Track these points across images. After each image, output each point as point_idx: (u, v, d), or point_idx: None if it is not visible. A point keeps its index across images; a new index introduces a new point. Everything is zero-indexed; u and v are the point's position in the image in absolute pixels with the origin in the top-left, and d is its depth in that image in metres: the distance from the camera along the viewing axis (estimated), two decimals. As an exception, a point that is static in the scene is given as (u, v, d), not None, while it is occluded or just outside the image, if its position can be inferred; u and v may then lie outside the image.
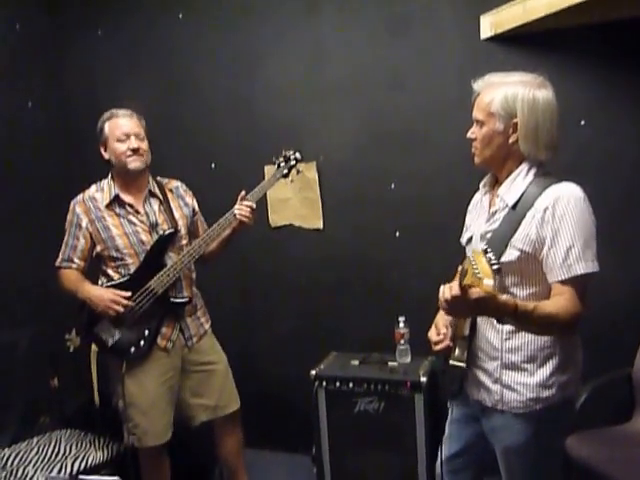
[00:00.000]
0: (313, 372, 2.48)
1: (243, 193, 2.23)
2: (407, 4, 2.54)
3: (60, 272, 2.25)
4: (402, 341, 2.50)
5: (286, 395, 2.91)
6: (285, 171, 2.33)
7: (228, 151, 2.93)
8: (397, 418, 2.35)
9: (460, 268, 1.35)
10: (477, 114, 1.57)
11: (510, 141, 1.51)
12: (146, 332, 2.19)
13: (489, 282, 1.20)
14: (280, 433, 2.97)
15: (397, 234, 2.68)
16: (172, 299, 2.22)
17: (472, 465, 1.80)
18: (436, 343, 1.64)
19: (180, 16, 2.90)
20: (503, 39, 2.37)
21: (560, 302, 1.42)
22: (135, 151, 2.17)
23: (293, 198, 2.83)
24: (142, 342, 2.18)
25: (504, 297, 1.36)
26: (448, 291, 1.29)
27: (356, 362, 2.55)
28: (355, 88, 2.67)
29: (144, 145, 2.21)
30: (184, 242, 2.29)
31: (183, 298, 2.25)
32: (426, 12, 2.51)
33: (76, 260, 2.22)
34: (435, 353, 1.66)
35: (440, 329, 1.65)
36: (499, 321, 1.37)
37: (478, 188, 1.77)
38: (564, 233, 1.43)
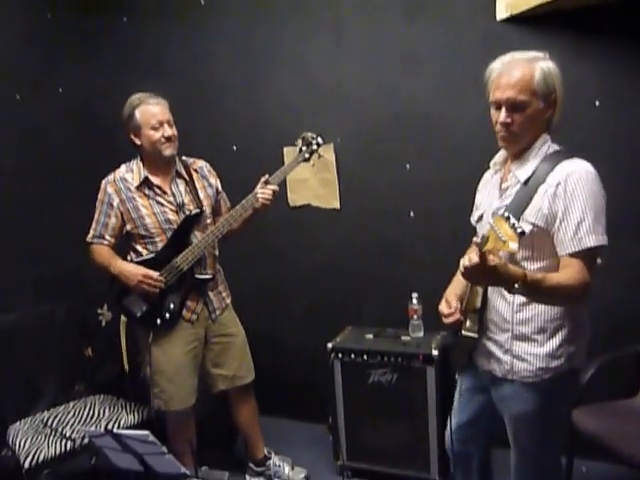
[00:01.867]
0: (329, 345, 2.55)
1: (266, 177, 2.28)
2: None
3: (92, 247, 2.32)
4: (415, 316, 2.56)
5: (303, 367, 2.99)
6: (307, 155, 2.38)
7: (249, 134, 2.96)
8: (409, 389, 2.41)
9: (475, 239, 1.36)
10: (517, 95, 1.47)
11: (544, 117, 1.52)
12: (171, 305, 2.27)
13: (514, 244, 1.23)
14: (298, 403, 3.05)
15: (412, 214, 2.72)
16: (197, 275, 2.30)
17: (480, 435, 1.84)
18: (447, 316, 1.67)
19: (202, 2, 2.94)
20: (519, 20, 2.34)
21: (569, 273, 1.45)
22: (168, 138, 2.22)
23: (311, 179, 2.88)
24: (168, 314, 2.27)
25: (514, 267, 1.39)
26: (467, 259, 1.32)
27: (370, 336, 2.61)
28: (372, 70, 2.68)
29: (175, 131, 2.26)
30: (208, 221, 2.36)
31: (207, 275, 2.33)
32: None
33: (107, 237, 2.30)
34: (446, 326, 1.70)
35: (451, 303, 1.68)
36: (509, 291, 1.39)
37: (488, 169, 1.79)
38: (575, 207, 1.45)
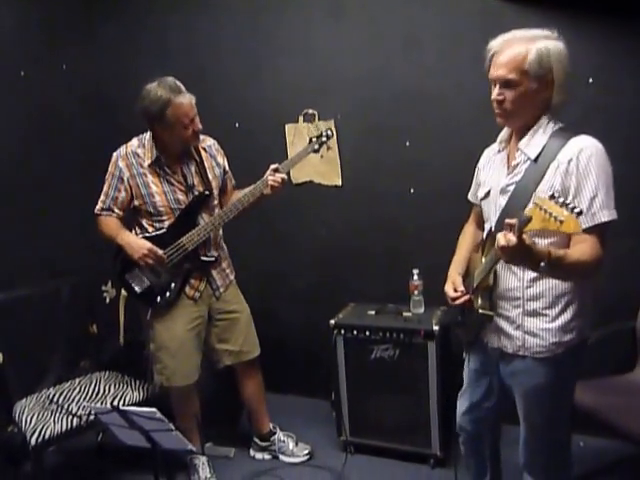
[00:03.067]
0: (332, 321, 2.55)
1: (276, 165, 2.26)
2: None
3: (100, 219, 2.31)
4: (416, 292, 2.55)
5: (306, 343, 2.99)
6: (316, 146, 2.37)
7: (250, 111, 2.94)
8: (411, 364, 2.42)
9: (513, 221, 1.32)
10: (508, 74, 1.48)
11: (542, 96, 1.50)
12: (172, 284, 2.27)
13: (578, 221, 1.21)
14: (301, 379, 3.07)
15: (412, 190, 2.70)
16: (201, 257, 2.30)
17: (491, 414, 1.83)
18: (454, 298, 1.68)
19: None
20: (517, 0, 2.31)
21: (585, 249, 1.44)
22: (197, 132, 2.21)
23: (313, 155, 2.87)
24: (168, 293, 2.27)
25: (539, 246, 1.38)
26: (504, 238, 1.30)
27: (372, 312, 2.61)
28: (372, 47, 2.66)
29: (201, 126, 2.23)
30: (215, 202, 2.35)
31: (211, 257, 2.33)
32: None
33: (116, 210, 2.29)
34: (453, 306, 1.71)
35: (458, 285, 1.69)
36: (534, 269, 1.39)
37: (488, 145, 1.77)
38: (588, 183, 1.44)
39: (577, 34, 2.17)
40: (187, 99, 2.15)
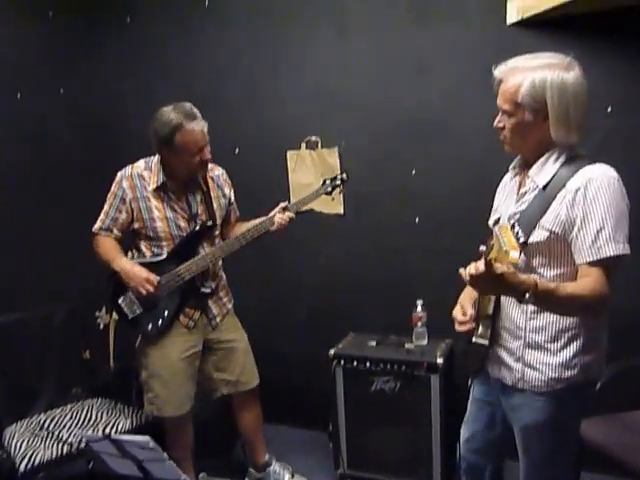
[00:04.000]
0: (331, 351, 2.52)
1: (285, 203, 2.26)
2: None
3: (97, 238, 2.26)
4: (419, 324, 2.53)
5: (305, 373, 2.95)
6: (329, 189, 2.34)
7: (251, 137, 2.93)
8: (413, 398, 2.38)
9: (483, 247, 1.32)
10: (503, 104, 1.49)
11: (541, 129, 1.46)
12: (165, 312, 2.23)
13: (515, 254, 1.20)
14: (298, 410, 3.02)
15: (417, 220, 2.69)
16: (198, 287, 2.26)
17: (493, 446, 1.79)
18: (460, 323, 1.63)
19: (206, 3, 2.90)
20: (529, 24, 2.31)
21: (586, 283, 1.40)
22: (206, 162, 2.17)
23: (315, 183, 2.81)
24: (160, 321, 2.23)
25: (524, 275, 1.34)
26: (474, 266, 1.29)
27: (373, 343, 2.58)
28: (378, 74, 2.66)
29: (210, 155, 2.18)
30: (216, 232, 2.33)
31: (208, 288, 2.29)
32: None
33: (115, 231, 2.25)
34: (457, 333, 1.66)
35: (467, 310, 1.64)
36: (520, 301, 1.35)
37: (499, 175, 1.76)
38: (595, 214, 1.40)
39: (594, 61, 2.18)
40: (199, 126, 2.09)
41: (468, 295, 1.74)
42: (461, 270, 1.36)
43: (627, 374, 2.13)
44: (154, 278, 2.16)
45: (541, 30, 2.32)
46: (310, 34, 2.77)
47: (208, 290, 2.30)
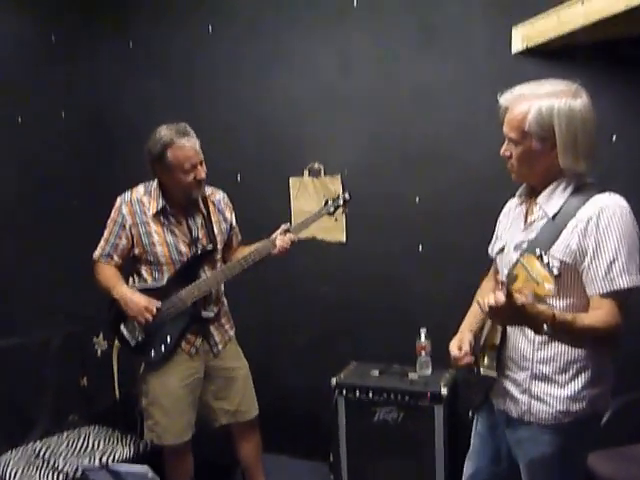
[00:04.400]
0: (333, 380, 2.49)
1: (287, 225, 2.25)
2: (437, 15, 2.53)
3: (97, 265, 2.25)
4: (423, 353, 2.50)
5: (306, 403, 2.91)
6: (331, 209, 2.32)
7: (253, 163, 2.94)
8: (416, 429, 2.35)
9: (503, 279, 1.31)
10: (509, 132, 1.48)
11: (549, 157, 1.44)
12: (168, 338, 2.21)
13: (549, 286, 1.17)
14: (299, 440, 2.97)
15: (420, 248, 2.68)
16: (199, 312, 2.24)
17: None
18: (456, 359, 1.61)
19: (210, 29, 2.93)
20: (534, 53, 2.33)
21: (600, 315, 1.38)
22: (200, 181, 2.15)
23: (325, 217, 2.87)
24: (163, 347, 2.21)
25: (542, 306, 1.32)
26: (493, 297, 1.26)
27: (376, 372, 2.55)
28: (382, 100, 2.67)
29: (205, 170, 2.16)
30: (218, 256, 2.32)
31: (210, 313, 2.28)
32: (456, 24, 2.49)
33: (116, 258, 2.24)
34: (455, 366, 1.65)
35: (464, 344, 1.62)
36: (537, 332, 1.33)
37: (502, 203, 1.76)
38: (608, 245, 1.38)
39: (598, 90, 2.18)
40: (190, 143, 2.10)
41: (468, 325, 1.72)
42: (479, 299, 1.34)
43: (633, 406, 2.11)
44: (153, 306, 2.14)
45: (546, 59, 2.33)
46: (314, 64, 2.79)
47: (211, 315, 2.28)
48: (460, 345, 1.63)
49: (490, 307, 1.27)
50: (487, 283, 1.87)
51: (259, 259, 2.22)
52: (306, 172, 2.86)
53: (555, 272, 1.18)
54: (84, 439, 2.44)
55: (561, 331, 1.32)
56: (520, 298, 1.24)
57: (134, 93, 3.12)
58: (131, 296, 2.16)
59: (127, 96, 3.14)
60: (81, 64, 3.18)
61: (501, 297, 1.23)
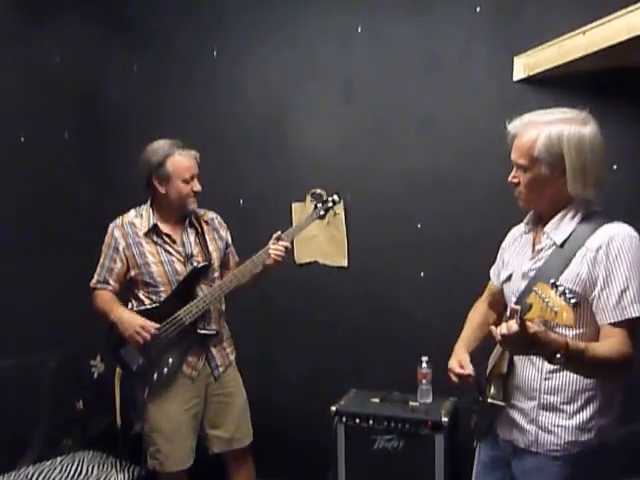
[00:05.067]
0: (333, 408, 2.47)
1: (279, 233, 2.24)
2: (440, 44, 2.57)
3: (95, 293, 2.26)
4: (424, 381, 2.49)
5: (305, 429, 2.88)
6: (322, 212, 2.32)
7: (256, 188, 2.95)
8: (416, 458, 2.32)
9: (513, 305, 1.30)
10: (519, 159, 1.48)
11: (558, 184, 1.44)
12: (170, 360, 2.20)
13: (570, 315, 1.17)
14: (297, 467, 2.91)
15: (422, 274, 2.68)
16: (200, 330, 2.23)
17: None
18: (458, 375, 1.61)
19: (214, 54, 2.97)
20: (536, 81, 2.36)
21: (613, 345, 1.37)
22: (197, 193, 2.21)
23: (319, 235, 2.85)
24: (165, 370, 2.19)
25: (555, 334, 1.31)
26: (506, 327, 1.26)
27: (377, 400, 2.53)
28: (385, 127, 2.69)
29: (200, 187, 2.24)
30: (216, 275, 2.31)
31: (211, 330, 2.26)
32: (459, 52, 2.54)
33: (112, 282, 2.24)
34: (456, 384, 1.64)
35: (465, 363, 1.62)
36: (550, 361, 1.31)
37: (505, 230, 1.76)
38: (618, 274, 1.38)
39: (599, 118, 2.21)
40: (190, 155, 2.20)
41: (464, 344, 1.72)
42: (492, 328, 1.33)
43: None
44: (150, 325, 2.14)
45: (547, 87, 2.36)
46: (316, 87, 2.82)
47: (212, 332, 2.27)
48: (461, 364, 1.63)
49: (503, 336, 1.27)
50: (481, 304, 1.88)
51: (255, 271, 2.22)
52: (308, 197, 2.87)
53: (573, 302, 1.17)
54: (78, 465, 2.40)
55: (574, 360, 1.31)
56: (533, 327, 1.23)
57: (137, 115, 3.14)
58: (127, 316, 2.17)
59: (130, 118, 3.16)
60: (85, 85, 3.19)
61: (514, 326, 1.23)
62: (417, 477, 2.33)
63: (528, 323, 1.23)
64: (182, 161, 2.17)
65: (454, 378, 1.63)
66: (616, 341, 1.38)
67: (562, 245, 1.47)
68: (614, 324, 1.39)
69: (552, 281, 1.21)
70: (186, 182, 2.18)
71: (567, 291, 1.19)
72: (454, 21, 2.54)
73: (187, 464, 2.26)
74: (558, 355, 1.28)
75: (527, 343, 1.26)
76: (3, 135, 2.77)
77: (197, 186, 2.21)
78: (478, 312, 1.86)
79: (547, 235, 1.52)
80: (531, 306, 1.23)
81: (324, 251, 2.89)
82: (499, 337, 1.28)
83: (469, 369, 1.61)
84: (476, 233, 2.52)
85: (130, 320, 2.15)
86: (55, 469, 2.36)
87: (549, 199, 1.50)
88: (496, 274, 1.79)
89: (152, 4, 3.10)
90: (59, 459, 2.45)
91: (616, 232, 1.42)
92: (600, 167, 1.45)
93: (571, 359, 1.30)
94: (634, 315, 1.38)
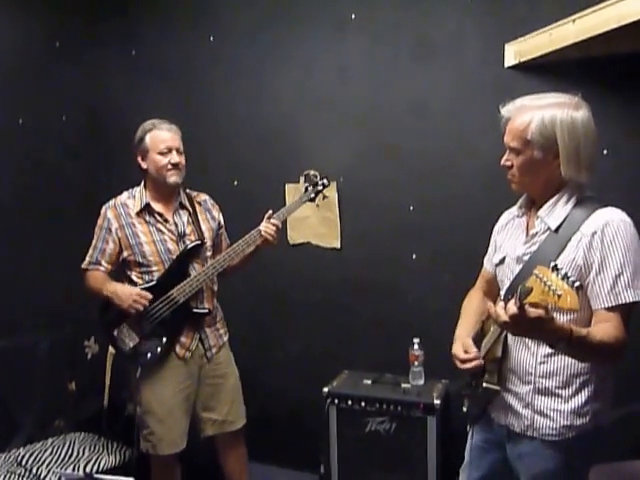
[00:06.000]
0: (325, 390, 2.47)
1: (270, 212, 2.26)
2: (432, 31, 2.56)
3: (87, 274, 2.26)
4: (416, 363, 2.49)
5: (296, 412, 2.89)
6: (312, 195, 2.37)
7: (250, 169, 2.95)
8: (408, 440, 2.33)
9: (518, 289, 1.27)
10: (511, 142, 1.49)
11: (551, 167, 1.45)
12: (164, 339, 2.20)
13: (575, 300, 1.15)
14: (289, 450, 2.94)
15: (414, 256, 2.68)
16: (193, 309, 2.23)
17: None
18: (464, 361, 1.57)
19: (211, 39, 2.95)
20: (527, 68, 2.36)
21: (608, 330, 1.38)
22: (175, 165, 2.21)
23: (312, 217, 2.85)
24: (159, 349, 2.19)
25: (560, 322, 1.31)
26: (502, 311, 1.26)
27: (369, 382, 2.54)
28: (378, 111, 2.69)
29: (183, 159, 2.25)
30: (208, 254, 2.32)
31: (204, 309, 2.27)
32: (451, 39, 2.53)
33: (104, 263, 2.24)
34: (462, 371, 1.61)
35: (469, 347, 1.59)
36: (551, 346, 1.32)
37: (496, 213, 1.75)
38: (613, 259, 1.39)
39: (590, 104, 2.23)
40: (170, 130, 2.24)
41: (465, 330, 1.70)
42: (490, 308, 1.33)
43: (632, 420, 2.10)
44: (145, 294, 2.15)
45: (538, 73, 2.36)
46: (311, 72, 2.80)
47: (204, 310, 2.27)
48: (466, 349, 1.60)
49: (504, 322, 1.26)
50: (475, 293, 1.87)
51: (247, 250, 2.25)
52: (302, 179, 2.84)
53: (576, 285, 1.16)
54: (69, 446, 2.41)
55: (576, 346, 1.32)
56: (536, 312, 1.22)
57: (134, 100, 3.12)
58: (121, 287, 2.18)
59: (127, 102, 3.13)
60: (84, 69, 3.17)
61: (513, 308, 1.23)
62: (409, 459, 2.34)
63: (530, 308, 1.22)
64: (159, 134, 2.21)
65: (459, 364, 1.60)
66: (610, 326, 1.39)
67: (557, 230, 1.47)
68: (609, 309, 1.40)
69: (553, 264, 1.20)
70: (162, 154, 2.20)
71: (569, 274, 1.18)
72: (447, 8, 2.53)
73: (180, 447, 2.27)
74: (562, 342, 1.28)
75: (530, 327, 1.26)
76: (2, 118, 2.75)
77: (174, 158, 2.21)
78: (473, 300, 1.84)
79: (541, 219, 1.51)
80: (531, 289, 1.21)
81: (317, 232, 2.88)
82: (500, 319, 1.27)
83: (474, 352, 1.58)
84: (468, 216, 2.52)
85: (125, 290, 2.16)
86: (46, 451, 2.36)
87: (542, 182, 1.50)
88: (489, 259, 1.78)
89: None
90: (50, 440, 2.45)
91: (610, 218, 1.43)
92: (593, 151, 1.46)
93: (574, 344, 1.30)
94: (628, 300, 1.39)
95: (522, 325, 1.25)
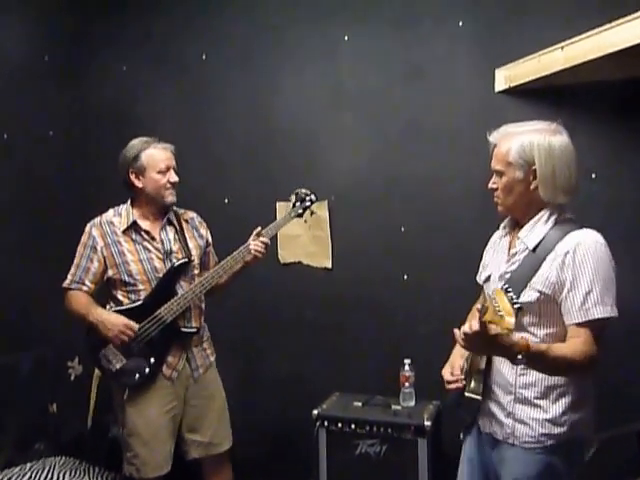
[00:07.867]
0: (315, 412, 2.45)
1: (259, 229, 2.27)
2: (424, 55, 2.61)
3: (69, 293, 2.22)
4: (407, 384, 2.48)
5: (286, 434, 2.86)
6: (300, 211, 2.40)
7: (242, 187, 2.96)
8: (399, 462, 2.31)
9: (479, 306, 1.39)
10: (496, 165, 1.62)
11: (531, 188, 1.56)
12: (152, 360, 2.17)
13: (511, 320, 1.24)
14: (278, 473, 2.89)
15: (405, 277, 2.68)
16: (181, 328, 2.21)
17: None
18: (449, 382, 1.69)
19: (204, 57, 2.99)
20: (517, 92, 2.42)
21: (576, 345, 1.47)
22: (173, 185, 2.22)
23: (303, 235, 2.85)
24: (147, 369, 2.17)
25: (516, 337, 1.40)
26: (468, 326, 1.34)
27: (359, 404, 2.51)
28: (370, 132, 2.72)
29: (177, 179, 2.25)
30: (196, 272, 2.31)
31: (191, 328, 2.25)
32: (442, 64, 2.58)
33: (87, 283, 2.21)
34: (446, 391, 1.70)
35: (455, 369, 1.70)
36: (512, 361, 1.40)
37: (487, 235, 1.83)
38: (584, 277, 1.48)
39: (579, 129, 2.28)
40: (165, 148, 2.24)
41: (459, 351, 1.77)
42: (455, 330, 1.42)
43: (619, 442, 2.11)
44: (133, 324, 2.12)
45: (528, 98, 2.42)
46: (303, 92, 2.84)
47: (193, 329, 2.25)
48: (451, 371, 1.71)
49: (465, 334, 1.36)
50: (472, 317, 1.90)
51: (236, 267, 2.24)
52: (293, 197, 2.84)
53: (516, 306, 1.27)
54: (49, 471, 2.37)
55: (536, 360, 1.42)
56: (494, 329, 1.31)
57: (123, 116, 3.13)
58: (107, 317, 2.14)
59: (116, 119, 3.15)
60: (71, 84, 3.19)
61: (475, 325, 1.32)
62: (400, 482, 2.31)
63: (490, 325, 1.30)
64: (156, 153, 2.21)
65: (445, 385, 1.70)
66: (580, 341, 1.48)
67: (534, 249, 1.58)
68: (579, 324, 1.49)
69: (503, 286, 1.31)
70: (161, 173, 2.19)
71: (514, 297, 1.29)
72: (439, 33, 2.59)
73: (165, 470, 2.22)
74: (519, 356, 1.37)
75: (487, 344, 1.36)
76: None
77: (173, 177, 2.22)
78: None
79: (521, 240, 1.62)
80: (487, 309, 1.30)
81: (308, 252, 2.88)
82: (461, 336, 1.37)
83: (457, 375, 1.69)
84: (459, 238, 2.54)
85: (112, 320, 2.12)
86: (25, 475, 2.33)
87: (524, 203, 1.61)
88: (479, 276, 1.86)
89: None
90: (29, 465, 2.42)
91: (583, 238, 1.52)
92: (570, 175, 1.56)
93: (532, 360, 1.40)
94: (597, 316, 1.48)
95: (481, 342, 1.35)
